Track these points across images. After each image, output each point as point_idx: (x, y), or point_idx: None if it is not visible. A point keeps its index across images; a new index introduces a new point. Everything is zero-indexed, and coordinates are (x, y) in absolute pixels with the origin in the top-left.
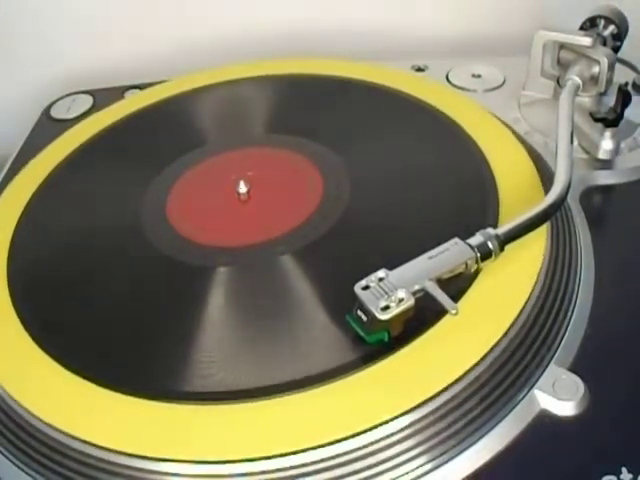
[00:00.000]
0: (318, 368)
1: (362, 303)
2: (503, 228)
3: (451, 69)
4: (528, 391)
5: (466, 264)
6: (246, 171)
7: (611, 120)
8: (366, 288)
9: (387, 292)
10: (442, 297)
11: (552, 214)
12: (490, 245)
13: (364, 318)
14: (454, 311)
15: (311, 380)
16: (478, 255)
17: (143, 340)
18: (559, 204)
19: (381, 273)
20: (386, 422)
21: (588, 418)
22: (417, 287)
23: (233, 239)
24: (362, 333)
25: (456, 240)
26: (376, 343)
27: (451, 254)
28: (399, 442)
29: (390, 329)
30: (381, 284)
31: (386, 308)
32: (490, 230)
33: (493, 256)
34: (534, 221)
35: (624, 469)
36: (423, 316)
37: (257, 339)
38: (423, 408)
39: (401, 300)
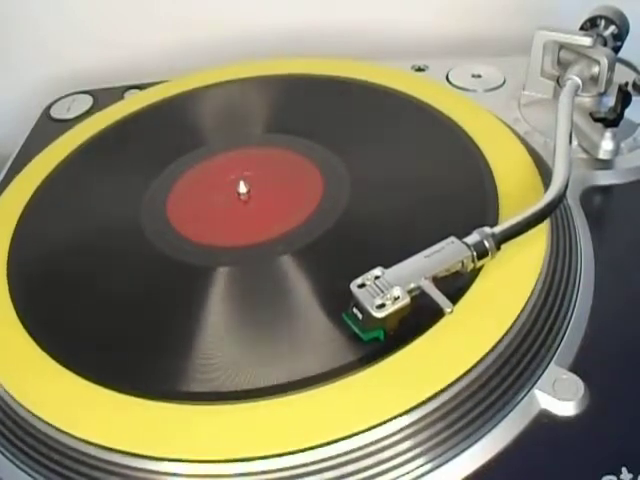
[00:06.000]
0: (318, 368)
1: (358, 301)
2: (499, 227)
3: (451, 69)
4: (528, 391)
5: (462, 263)
6: (246, 171)
7: (611, 120)
8: (362, 286)
9: (383, 290)
10: (438, 296)
11: (549, 213)
12: (486, 244)
13: (360, 316)
14: (449, 310)
15: (311, 380)
16: (474, 254)
17: (143, 340)
18: (556, 203)
19: (377, 271)
20: (386, 422)
21: (588, 418)
22: (413, 285)
23: (233, 239)
24: (358, 331)
25: (452, 239)
26: (372, 341)
27: (447, 253)
28: (399, 442)
29: (386, 327)
30: (377, 282)
31: (382, 306)
32: (486, 229)
33: (489, 255)
34: (531, 220)
35: (624, 469)
36: (423, 316)
37: (257, 339)
38: (423, 408)
39: (396, 298)
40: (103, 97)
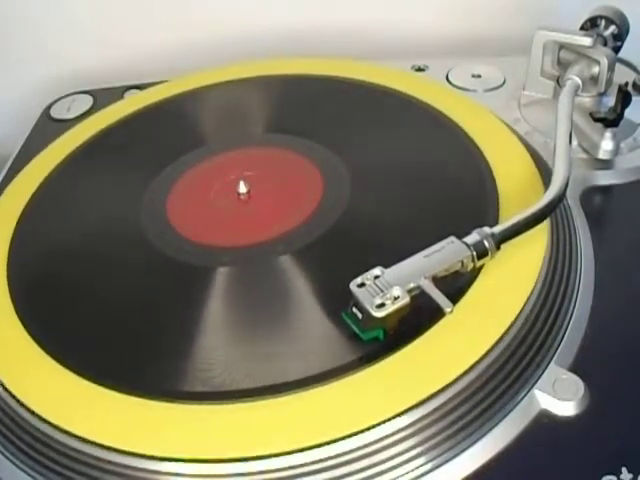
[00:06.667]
0: (317, 368)
1: (357, 300)
2: (499, 227)
3: (451, 69)
4: (528, 391)
5: (462, 262)
6: (246, 171)
7: (611, 120)
8: (362, 285)
9: (382, 290)
10: (437, 295)
11: (549, 213)
12: (486, 244)
13: (359, 315)
14: (449, 309)
15: (310, 380)
16: (474, 253)
17: (143, 340)
18: (556, 203)
19: (377, 271)
20: (386, 422)
21: (588, 418)
22: (412, 285)
23: (233, 239)
24: (357, 330)
25: (452, 239)
26: (371, 341)
27: (447, 252)
28: (399, 442)
29: (385, 327)
30: (377, 282)
31: (381, 306)
32: (486, 229)
33: (489, 254)
34: (531, 220)
35: (624, 469)
36: (423, 315)
37: (256, 339)
38: (423, 408)
39: (396, 298)
40: (103, 97)
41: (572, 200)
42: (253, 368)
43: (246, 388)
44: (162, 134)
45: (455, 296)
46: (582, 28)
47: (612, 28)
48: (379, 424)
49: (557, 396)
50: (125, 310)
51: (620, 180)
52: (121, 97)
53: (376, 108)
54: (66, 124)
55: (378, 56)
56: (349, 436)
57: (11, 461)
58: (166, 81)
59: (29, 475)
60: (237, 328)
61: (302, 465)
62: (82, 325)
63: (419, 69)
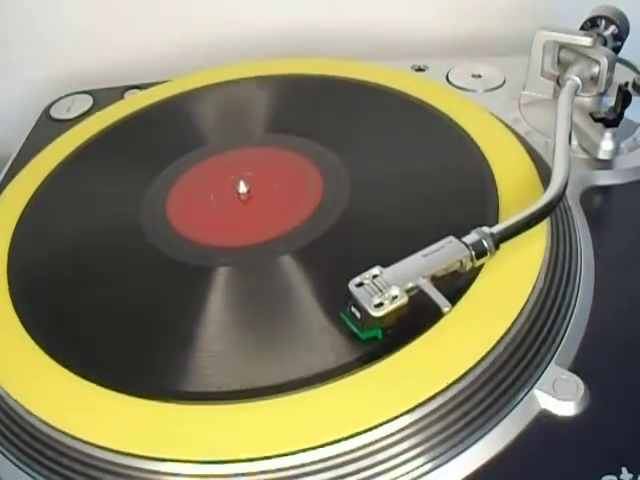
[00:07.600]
0: (317, 368)
1: (356, 300)
2: (498, 227)
3: (451, 69)
4: (528, 391)
5: (461, 262)
6: (246, 171)
7: (611, 120)
8: (360, 285)
9: (381, 289)
10: (435, 295)
11: (548, 213)
12: (485, 243)
13: (358, 315)
14: (447, 309)
15: (310, 380)
16: (473, 253)
17: (143, 340)
18: (556, 203)
19: (375, 270)
20: (386, 422)
21: (588, 418)
22: (411, 285)
23: (233, 239)
24: (356, 330)
25: (451, 238)
26: (370, 340)
27: (445, 252)
28: (399, 442)
29: (384, 326)
30: (375, 281)
31: (379, 305)
32: (485, 228)
33: (488, 254)
34: (530, 220)
35: (624, 469)
36: (423, 315)
37: (256, 339)
38: (423, 408)
39: (394, 297)
40: (103, 97)
41: (572, 200)
42: (253, 368)
43: (246, 388)
44: (162, 134)
45: (455, 296)
46: (582, 28)
47: (612, 28)
48: (379, 424)
49: (557, 396)
50: (125, 310)
51: (620, 180)
52: (121, 97)
53: (376, 108)
54: (66, 124)
55: (378, 56)
56: (349, 436)
57: (11, 461)
58: (166, 81)
59: (29, 475)
60: (237, 328)
61: (302, 465)
62: (82, 325)
63: (419, 69)
